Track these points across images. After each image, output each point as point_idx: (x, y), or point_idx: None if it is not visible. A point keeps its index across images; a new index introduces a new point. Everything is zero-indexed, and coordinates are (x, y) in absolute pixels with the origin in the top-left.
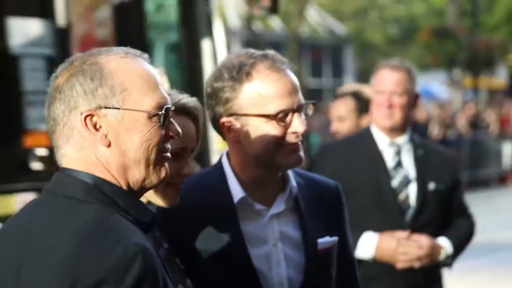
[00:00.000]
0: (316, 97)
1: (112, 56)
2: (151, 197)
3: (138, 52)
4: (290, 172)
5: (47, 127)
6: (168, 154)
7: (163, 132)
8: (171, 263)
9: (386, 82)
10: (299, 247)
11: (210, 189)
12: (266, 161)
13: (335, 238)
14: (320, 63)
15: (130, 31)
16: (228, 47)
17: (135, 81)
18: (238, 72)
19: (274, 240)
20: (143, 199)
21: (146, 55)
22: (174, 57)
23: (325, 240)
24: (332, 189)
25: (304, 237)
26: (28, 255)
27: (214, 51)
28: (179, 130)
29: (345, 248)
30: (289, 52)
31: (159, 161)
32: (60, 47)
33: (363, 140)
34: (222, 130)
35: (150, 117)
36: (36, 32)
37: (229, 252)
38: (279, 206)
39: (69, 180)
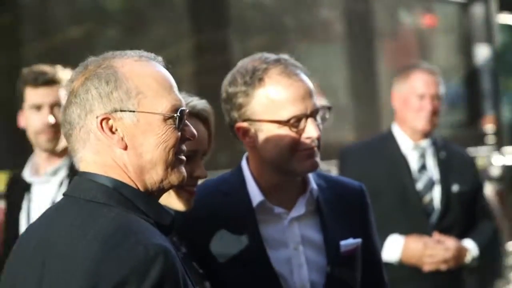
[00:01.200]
0: None
1: (126, 59)
2: (165, 201)
3: (152, 55)
4: (311, 175)
5: (63, 131)
6: (183, 157)
7: (179, 134)
8: (189, 266)
9: (426, 86)
10: (321, 250)
11: (229, 193)
12: (282, 166)
13: (358, 240)
14: None
15: None
16: None
17: (150, 84)
18: (251, 78)
19: (295, 244)
20: None
21: (160, 58)
22: None
23: (348, 242)
24: (356, 190)
25: (325, 239)
26: (49, 260)
27: None
28: (194, 132)
29: (371, 250)
30: None
31: (176, 162)
32: None
33: (385, 142)
34: (238, 135)
35: (166, 119)
36: None
37: (248, 256)
38: (299, 209)
39: (89, 184)
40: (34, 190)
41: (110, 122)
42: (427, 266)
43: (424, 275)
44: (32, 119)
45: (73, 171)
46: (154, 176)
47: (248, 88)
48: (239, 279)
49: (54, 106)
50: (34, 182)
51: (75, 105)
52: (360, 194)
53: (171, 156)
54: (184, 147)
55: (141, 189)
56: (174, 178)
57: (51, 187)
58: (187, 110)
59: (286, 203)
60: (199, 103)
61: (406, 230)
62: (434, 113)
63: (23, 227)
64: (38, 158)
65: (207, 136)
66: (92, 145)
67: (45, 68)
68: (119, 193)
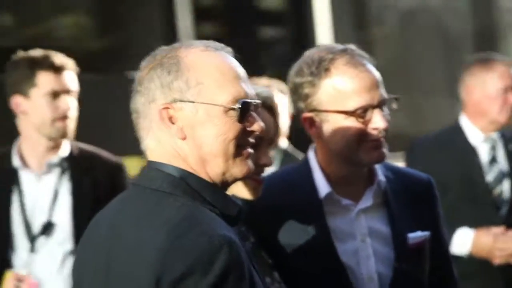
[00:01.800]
0: None
1: (192, 49)
2: (232, 189)
3: (221, 45)
4: (378, 166)
5: (133, 118)
6: (250, 150)
7: (241, 126)
8: (257, 256)
9: (509, 79)
10: (388, 241)
11: (296, 184)
12: (348, 157)
13: (426, 233)
14: None
15: None
16: None
17: (212, 74)
18: (317, 68)
19: (362, 235)
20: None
21: (229, 48)
22: None
23: (416, 235)
24: (424, 182)
25: (393, 232)
26: (116, 250)
27: None
28: (262, 124)
29: (439, 242)
30: None
31: (237, 155)
32: None
33: (454, 135)
34: (305, 125)
35: (226, 111)
36: None
37: (315, 247)
38: (367, 201)
39: (155, 174)
40: (26, 181)
41: (170, 112)
42: (497, 260)
43: (494, 268)
44: (48, 106)
45: (74, 162)
46: (215, 168)
47: (315, 79)
48: (306, 270)
49: (68, 93)
50: (25, 172)
51: (140, 93)
52: (428, 186)
53: (231, 148)
54: (251, 140)
55: (206, 179)
56: (236, 171)
57: (52, 178)
58: (255, 102)
59: (353, 195)
60: (264, 91)
61: (475, 223)
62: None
63: (16, 222)
64: (34, 147)
65: (273, 123)
66: (155, 134)
67: (57, 53)
68: (185, 183)
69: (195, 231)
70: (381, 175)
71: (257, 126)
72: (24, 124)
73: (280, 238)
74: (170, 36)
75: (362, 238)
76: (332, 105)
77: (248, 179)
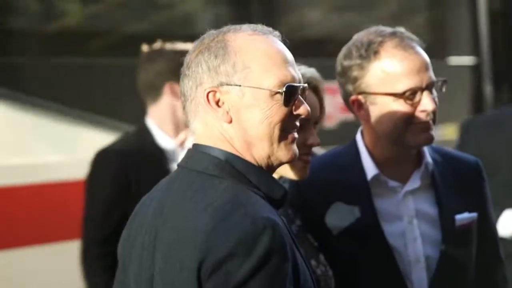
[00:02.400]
0: None
1: (240, 33)
2: (280, 170)
3: (269, 29)
4: (426, 149)
5: (181, 101)
6: (295, 134)
7: (287, 109)
8: (303, 239)
9: None
10: (436, 223)
11: (343, 167)
12: (396, 139)
13: (474, 215)
14: None
15: None
16: None
17: (258, 59)
18: (366, 51)
19: (409, 217)
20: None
21: (277, 32)
22: None
23: (463, 217)
24: (472, 165)
25: (440, 213)
26: (162, 230)
27: None
28: (308, 108)
29: (486, 224)
30: None
31: (282, 138)
32: None
33: (508, 117)
34: (353, 108)
35: (272, 94)
36: None
37: (362, 229)
38: (414, 182)
39: (202, 156)
40: None
41: (217, 95)
42: None
43: None
44: None
45: None
46: (260, 151)
47: (363, 61)
48: (353, 252)
49: None
50: None
51: (187, 77)
52: (476, 169)
53: (276, 132)
54: (296, 123)
55: (252, 162)
56: (281, 155)
57: None
58: (302, 86)
59: (400, 176)
60: (308, 71)
61: None
62: None
63: None
64: None
65: (318, 104)
66: (201, 117)
67: None
68: (231, 165)
69: (238, 213)
70: (428, 157)
71: (303, 110)
72: None
73: (327, 220)
74: None
75: (409, 219)
76: (381, 88)
77: (297, 159)
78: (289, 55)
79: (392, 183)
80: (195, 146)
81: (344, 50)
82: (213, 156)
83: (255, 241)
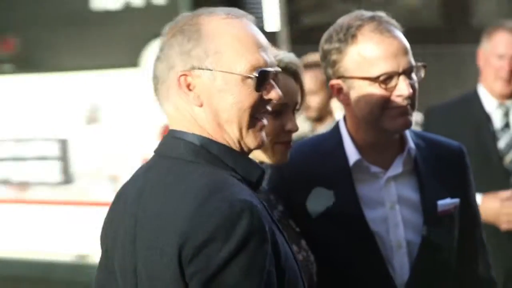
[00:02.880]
0: None
1: (213, 16)
2: (260, 155)
3: (242, 12)
4: (408, 134)
5: (153, 84)
6: (264, 121)
7: (258, 94)
8: (285, 224)
9: (507, 46)
10: (418, 209)
11: (326, 152)
12: (374, 124)
13: (456, 200)
14: None
15: None
16: None
17: (231, 43)
18: (344, 34)
19: (391, 203)
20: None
21: (251, 16)
22: None
23: (446, 202)
24: (455, 150)
25: (422, 199)
26: (142, 218)
27: None
28: (279, 93)
29: (469, 210)
30: None
31: (251, 124)
32: None
33: (470, 102)
34: (333, 92)
35: (244, 79)
36: None
37: (344, 215)
38: (396, 168)
39: (176, 142)
40: None
41: (189, 79)
42: (505, 225)
43: (503, 233)
44: None
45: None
46: (231, 135)
47: (341, 45)
48: (335, 238)
49: None
50: None
51: (160, 60)
52: (459, 154)
53: (246, 117)
54: (267, 108)
55: (226, 145)
56: (249, 141)
57: None
58: (274, 71)
59: (383, 162)
60: (286, 56)
61: (486, 189)
62: None
63: None
64: None
65: (298, 89)
66: (173, 100)
67: None
68: (206, 150)
69: (216, 197)
70: (411, 143)
71: (275, 94)
72: None
73: (309, 205)
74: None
75: (391, 205)
76: (357, 72)
77: (275, 144)
78: (263, 39)
79: (374, 169)
80: (170, 131)
81: (325, 34)
82: (187, 142)
83: (233, 224)
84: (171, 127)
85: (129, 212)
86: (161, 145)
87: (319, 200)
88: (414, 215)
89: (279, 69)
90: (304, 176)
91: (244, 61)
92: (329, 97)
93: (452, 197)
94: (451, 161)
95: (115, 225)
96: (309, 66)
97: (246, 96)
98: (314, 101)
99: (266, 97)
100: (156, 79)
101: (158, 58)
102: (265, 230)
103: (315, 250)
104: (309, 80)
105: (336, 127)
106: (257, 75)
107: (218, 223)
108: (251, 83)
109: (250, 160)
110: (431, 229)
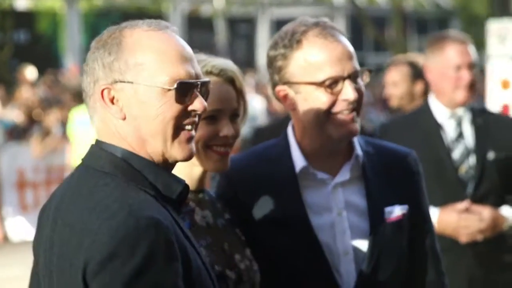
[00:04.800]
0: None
1: (136, 29)
2: (195, 162)
3: (165, 24)
4: (357, 141)
5: (83, 97)
6: (192, 132)
7: (180, 106)
8: (230, 233)
9: (461, 56)
10: (365, 215)
11: (273, 159)
12: (320, 130)
13: (404, 207)
14: (426, 36)
15: None
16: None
17: (151, 55)
18: (289, 40)
19: (338, 209)
20: (189, 164)
21: (175, 28)
22: None
23: (393, 209)
24: (406, 157)
25: (369, 205)
26: (58, 226)
27: None
28: (204, 104)
29: (420, 217)
30: (394, 26)
31: (176, 135)
32: None
33: (421, 115)
34: (279, 98)
35: (165, 92)
36: None
37: (290, 222)
38: (344, 174)
39: (100, 153)
40: None
41: (112, 92)
42: (463, 238)
43: (463, 245)
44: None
45: None
46: (154, 148)
47: (287, 51)
48: (281, 245)
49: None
50: None
51: (86, 73)
52: (409, 161)
53: (169, 129)
54: (194, 119)
55: (148, 159)
56: (175, 153)
57: None
58: (199, 82)
59: (330, 168)
60: (222, 62)
61: (442, 201)
62: (473, 82)
63: None
64: None
65: (235, 94)
66: (99, 113)
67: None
68: (127, 163)
69: (123, 212)
70: (358, 150)
71: (198, 105)
72: None
73: (255, 213)
74: None
75: (339, 211)
76: (303, 77)
77: (209, 151)
78: (187, 51)
79: (321, 175)
80: (96, 142)
81: (271, 41)
82: (109, 153)
83: (138, 240)
84: (98, 139)
85: (50, 218)
86: (87, 154)
87: (265, 207)
88: (361, 222)
89: (207, 80)
90: (252, 183)
91: (164, 73)
92: (410, 89)
93: (402, 203)
94: (401, 168)
95: (40, 231)
96: (395, 62)
97: (167, 108)
98: (396, 91)
99: (189, 108)
100: (84, 93)
101: (84, 71)
102: (173, 248)
103: (262, 258)
104: (394, 73)
105: (285, 134)
106: (176, 87)
107: (123, 238)
108: (172, 95)
109: (172, 175)
110: (378, 236)
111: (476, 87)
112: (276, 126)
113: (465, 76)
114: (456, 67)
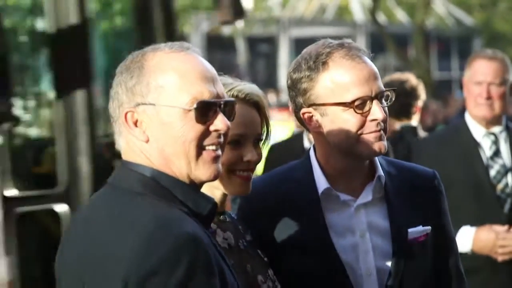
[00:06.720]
0: (444, 89)
1: (158, 52)
2: (218, 185)
3: (188, 45)
4: (379, 161)
5: (111, 122)
6: (217, 152)
7: (202, 126)
8: (253, 254)
9: (484, 73)
10: (388, 236)
11: (296, 182)
12: (348, 150)
13: (427, 228)
14: (448, 55)
15: None
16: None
17: (172, 76)
18: (314, 62)
19: (361, 231)
20: (210, 187)
21: (197, 49)
22: None
23: (417, 230)
24: (429, 177)
25: (392, 226)
26: (90, 247)
27: None
28: (227, 123)
29: (443, 238)
30: (416, 44)
31: (199, 156)
32: None
33: (458, 132)
34: (304, 121)
35: (186, 112)
36: None
37: (313, 244)
38: (366, 196)
39: (127, 173)
40: None
41: (135, 115)
42: (500, 257)
43: (499, 265)
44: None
45: None
46: (180, 169)
47: (312, 73)
48: (304, 267)
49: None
50: None
51: (112, 98)
52: (432, 181)
53: (192, 149)
54: (218, 140)
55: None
56: (200, 174)
57: None
58: (222, 102)
59: (353, 190)
60: (247, 87)
61: (480, 219)
62: (494, 99)
63: None
64: None
65: (260, 119)
66: (124, 136)
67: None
68: (156, 182)
69: (161, 230)
70: (380, 170)
71: (221, 125)
72: None
73: (278, 235)
74: None
75: (362, 233)
76: (330, 98)
77: (232, 175)
78: (208, 70)
79: (344, 197)
80: (123, 162)
81: (293, 63)
82: (138, 173)
83: (178, 258)
84: (124, 159)
85: (77, 240)
86: (113, 175)
87: (288, 229)
88: (384, 243)
89: (231, 99)
90: (273, 206)
91: (185, 94)
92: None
93: (424, 224)
94: (423, 188)
95: (64, 254)
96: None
97: (189, 128)
98: None
99: (211, 128)
100: (112, 118)
101: (110, 97)
102: (211, 264)
103: (285, 279)
104: None
105: (307, 157)
106: (196, 107)
107: (162, 256)
108: (192, 115)
109: (201, 193)
110: (401, 257)
111: (504, 104)
112: (289, 142)
113: (483, 92)
114: (478, 83)
